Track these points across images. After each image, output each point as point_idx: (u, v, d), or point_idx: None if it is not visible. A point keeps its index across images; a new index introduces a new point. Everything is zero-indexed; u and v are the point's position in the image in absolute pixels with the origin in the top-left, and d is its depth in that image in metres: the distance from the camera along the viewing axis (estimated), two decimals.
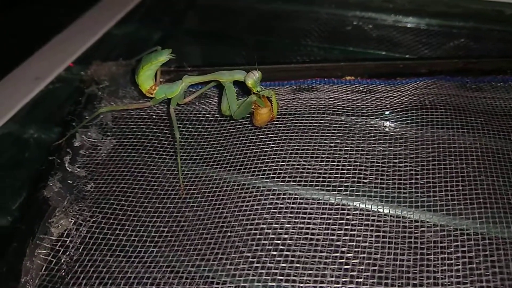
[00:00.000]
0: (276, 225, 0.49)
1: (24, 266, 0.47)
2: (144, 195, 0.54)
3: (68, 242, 0.50)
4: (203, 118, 0.64)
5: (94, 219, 0.52)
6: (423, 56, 0.77)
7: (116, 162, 0.58)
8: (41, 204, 0.52)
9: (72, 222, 0.51)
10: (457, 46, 0.80)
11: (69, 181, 0.55)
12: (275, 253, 0.47)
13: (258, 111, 0.54)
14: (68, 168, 0.56)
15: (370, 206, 0.50)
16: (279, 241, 0.47)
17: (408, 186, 0.52)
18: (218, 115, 0.64)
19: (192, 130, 0.62)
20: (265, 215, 0.50)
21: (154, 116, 0.65)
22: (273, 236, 0.48)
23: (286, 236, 0.48)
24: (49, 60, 0.78)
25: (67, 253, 0.49)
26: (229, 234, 0.49)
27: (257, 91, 0.53)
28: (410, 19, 0.87)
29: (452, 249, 0.45)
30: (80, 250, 0.49)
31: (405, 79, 0.66)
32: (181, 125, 0.63)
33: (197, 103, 0.66)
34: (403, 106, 0.62)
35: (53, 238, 0.50)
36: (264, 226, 0.49)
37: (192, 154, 0.59)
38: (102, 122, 0.63)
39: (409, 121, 0.60)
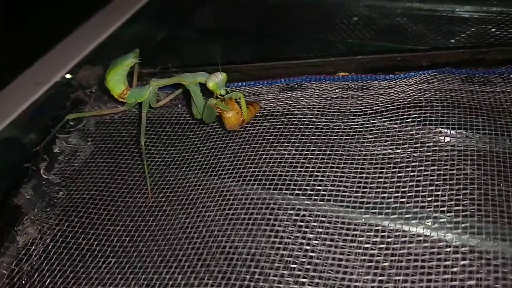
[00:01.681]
0: (248, 237, 0.46)
1: None
2: (112, 203, 0.54)
3: (31, 251, 0.50)
4: (184, 121, 0.62)
5: (59, 228, 0.52)
6: (424, 48, 0.69)
7: (92, 168, 0.58)
8: (11, 212, 0.53)
9: (37, 230, 0.51)
10: None
11: (42, 188, 0.55)
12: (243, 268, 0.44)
13: (224, 115, 0.51)
14: (43, 175, 0.56)
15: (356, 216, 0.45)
16: (248, 256, 0.44)
17: (405, 193, 0.46)
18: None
19: (171, 133, 0.61)
20: (238, 226, 0.47)
21: (135, 121, 0.63)
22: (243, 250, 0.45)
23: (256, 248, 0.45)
24: (50, 66, 0.79)
25: (29, 262, 0.49)
26: (192, 245, 0.47)
27: (221, 94, 0.50)
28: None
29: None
30: (41, 259, 0.49)
31: (404, 73, 0.60)
32: (160, 129, 0.61)
33: (179, 105, 0.64)
34: (398, 103, 0.56)
35: (19, 246, 0.50)
36: (236, 238, 0.46)
37: (167, 159, 0.57)
38: (85, 127, 0.63)
39: (405, 120, 0.54)
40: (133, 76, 0.59)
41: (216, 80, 0.49)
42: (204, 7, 0.96)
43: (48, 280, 0.47)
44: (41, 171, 0.56)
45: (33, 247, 0.50)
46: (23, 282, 0.48)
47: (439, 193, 0.46)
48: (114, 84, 0.56)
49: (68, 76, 0.74)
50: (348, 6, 0.83)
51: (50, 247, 0.50)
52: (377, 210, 0.46)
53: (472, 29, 0.73)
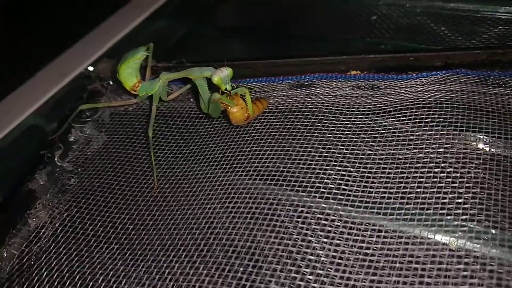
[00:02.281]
0: (245, 231, 0.47)
1: (1, 253, 0.51)
2: (119, 191, 0.55)
3: (41, 233, 0.52)
4: (194, 115, 0.63)
5: (68, 213, 0.54)
6: (438, 47, 0.68)
7: (103, 158, 0.60)
8: (26, 196, 0.55)
9: (48, 215, 0.54)
10: None
11: (55, 175, 0.58)
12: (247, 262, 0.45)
13: (229, 110, 0.52)
14: (57, 162, 0.59)
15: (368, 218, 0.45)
16: (243, 249, 0.45)
17: (413, 196, 0.46)
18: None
19: (182, 126, 0.62)
20: (237, 219, 0.48)
21: (148, 113, 0.65)
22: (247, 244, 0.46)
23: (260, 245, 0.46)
24: (75, 58, 0.82)
25: (38, 244, 0.51)
26: (191, 236, 0.48)
27: (226, 89, 0.51)
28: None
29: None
30: (50, 242, 0.51)
31: (416, 74, 0.59)
32: (171, 122, 0.63)
33: (191, 99, 0.65)
34: (407, 103, 0.56)
35: (30, 229, 0.53)
36: (233, 231, 0.47)
37: (176, 151, 0.59)
38: (100, 118, 0.65)
39: (413, 121, 0.53)
40: (146, 70, 0.60)
41: (221, 75, 0.50)
42: (223, 5, 0.97)
43: (54, 262, 0.49)
44: (56, 159, 0.59)
45: (43, 230, 0.53)
46: (31, 262, 0.50)
47: (443, 196, 0.45)
48: (126, 77, 0.58)
49: (88, 68, 0.76)
50: (368, 4, 0.82)
51: (58, 231, 0.52)
52: (379, 211, 0.46)
53: (495, 30, 0.71)
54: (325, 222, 0.46)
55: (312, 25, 0.86)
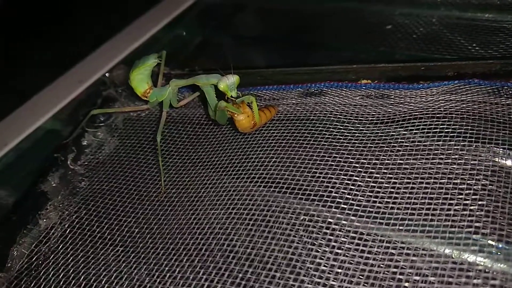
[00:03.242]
0: (246, 237, 0.47)
1: (11, 252, 0.52)
2: (128, 195, 0.56)
3: (50, 234, 0.54)
4: (204, 122, 0.64)
5: (77, 215, 0.55)
6: (450, 57, 0.67)
7: (114, 162, 0.61)
8: (38, 197, 0.57)
9: (58, 216, 0.55)
10: None
11: (67, 178, 0.59)
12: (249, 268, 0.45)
13: (235, 117, 0.53)
14: (70, 165, 0.60)
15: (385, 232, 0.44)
16: (243, 255, 0.45)
17: (419, 207, 0.45)
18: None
19: (191, 133, 0.63)
20: (238, 226, 0.48)
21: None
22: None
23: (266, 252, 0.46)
24: (94, 65, 0.84)
25: (47, 245, 0.53)
26: (193, 241, 0.49)
27: (232, 96, 0.52)
28: None
29: None
30: (58, 243, 0.53)
31: (427, 83, 0.58)
32: (182, 128, 0.64)
33: (202, 106, 0.66)
34: (416, 113, 0.55)
35: (40, 229, 0.54)
36: (235, 237, 0.47)
37: (185, 157, 0.59)
38: (113, 123, 0.66)
39: (421, 131, 0.53)
40: (158, 76, 0.62)
41: (227, 82, 0.51)
42: (242, 14, 0.98)
43: (61, 262, 0.51)
44: (68, 162, 0.60)
45: (52, 231, 0.54)
46: (40, 262, 0.51)
47: (449, 207, 0.44)
48: (137, 83, 0.59)
49: (104, 75, 0.78)
50: (383, 14, 0.81)
51: (67, 232, 0.53)
52: (384, 221, 0.45)
53: None
54: (327, 231, 0.45)
55: (328, 34, 0.86)
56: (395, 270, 0.41)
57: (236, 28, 0.99)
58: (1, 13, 1.25)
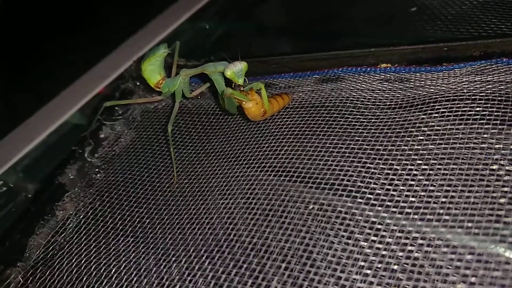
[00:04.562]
0: (253, 227, 0.45)
1: (29, 242, 0.54)
2: (141, 186, 0.56)
3: (66, 225, 0.55)
4: (219, 112, 0.63)
5: (91, 206, 0.56)
6: (475, 35, 0.62)
7: (130, 153, 0.62)
8: (56, 189, 0.58)
9: (74, 207, 0.56)
10: None
11: (84, 170, 0.60)
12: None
13: (243, 105, 0.51)
14: (87, 158, 0.61)
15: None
16: (249, 245, 0.44)
17: (437, 195, 0.42)
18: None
19: (206, 123, 0.62)
20: (246, 215, 0.47)
21: (178, 111, 0.66)
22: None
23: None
24: (117, 61, 0.85)
25: (63, 235, 0.54)
26: (201, 231, 0.48)
27: (239, 84, 0.50)
28: None
29: None
30: (73, 233, 0.53)
31: (450, 65, 0.55)
32: (196, 118, 0.63)
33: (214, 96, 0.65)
34: (437, 96, 0.52)
35: (57, 220, 0.55)
36: (242, 227, 0.46)
37: (198, 147, 0.59)
38: (130, 116, 0.67)
39: (440, 114, 0.49)
40: (172, 67, 0.61)
41: (234, 69, 0.50)
42: (264, 5, 0.96)
43: (74, 252, 0.51)
44: (86, 154, 0.61)
45: (68, 222, 0.55)
46: (55, 252, 0.52)
47: (469, 195, 0.41)
48: (149, 74, 0.59)
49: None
50: None
51: (81, 222, 0.54)
52: (399, 209, 0.42)
53: None
54: (341, 221, 0.43)
55: (350, 22, 0.83)
56: (411, 261, 0.38)
57: (257, 19, 0.97)
58: (29, 15, 1.30)
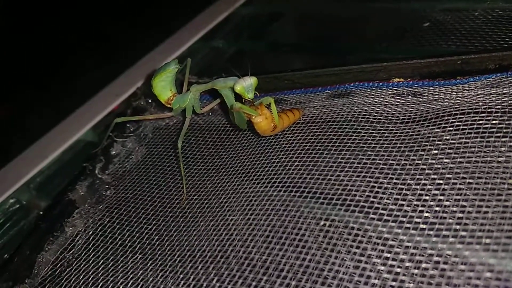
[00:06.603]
0: (263, 244, 0.44)
1: (38, 259, 0.53)
2: (150, 203, 0.56)
3: (75, 241, 0.54)
4: (230, 128, 0.63)
5: (101, 222, 0.55)
6: (489, 48, 0.61)
7: (140, 170, 0.61)
8: (66, 205, 0.58)
9: (83, 224, 0.56)
10: None
11: (95, 186, 0.60)
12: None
13: (253, 119, 0.51)
14: (98, 174, 0.61)
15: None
16: (257, 263, 0.43)
17: (452, 210, 0.41)
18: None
19: (217, 139, 0.62)
20: (256, 232, 0.46)
21: (189, 128, 0.66)
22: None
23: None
24: (131, 79, 0.86)
25: (71, 252, 0.53)
26: (210, 247, 0.47)
27: (249, 98, 0.50)
28: None
29: None
30: (82, 250, 0.53)
31: (465, 79, 0.54)
32: (207, 135, 0.63)
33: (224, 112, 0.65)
34: (451, 109, 0.50)
35: (66, 237, 0.55)
36: (251, 243, 0.45)
37: (208, 163, 0.58)
38: (142, 132, 0.67)
39: (455, 128, 0.48)
40: (183, 84, 0.62)
41: (244, 84, 0.49)
42: (276, 23, 0.97)
43: (82, 269, 0.51)
44: (96, 171, 0.61)
45: (77, 239, 0.54)
46: (63, 269, 0.52)
47: (486, 210, 0.40)
48: (160, 90, 0.59)
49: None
50: (421, 11, 0.77)
51: (90, 239, 0.54)
52: (412, 225, 0.41)
53: None
54: (352, 237, 0.42)
55: (364, 38, 0.83)
56: (426, 279, 0.37)
57: (269, 37, 0.98)
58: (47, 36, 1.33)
